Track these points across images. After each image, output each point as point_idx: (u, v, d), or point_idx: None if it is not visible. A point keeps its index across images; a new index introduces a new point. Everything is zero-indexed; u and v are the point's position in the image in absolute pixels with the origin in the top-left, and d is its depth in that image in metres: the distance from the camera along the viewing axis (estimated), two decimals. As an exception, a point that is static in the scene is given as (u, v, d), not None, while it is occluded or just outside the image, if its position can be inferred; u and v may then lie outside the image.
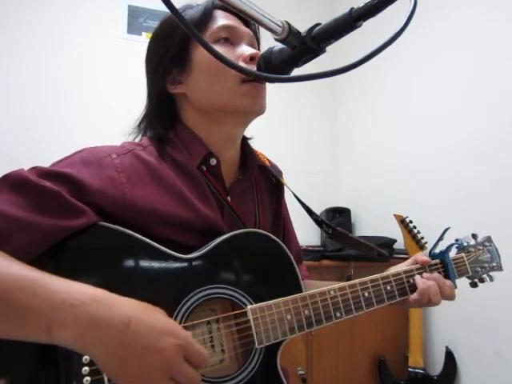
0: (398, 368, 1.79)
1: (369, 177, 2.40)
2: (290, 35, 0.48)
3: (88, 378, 0.50)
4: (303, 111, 2.64)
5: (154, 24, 2.70)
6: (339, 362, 1.79)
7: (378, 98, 2.34)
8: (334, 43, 0.49)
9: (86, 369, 0.51)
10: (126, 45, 2.29)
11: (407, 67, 2.10)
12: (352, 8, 0.45)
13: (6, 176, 0.56)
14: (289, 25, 0.47)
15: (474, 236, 0.93)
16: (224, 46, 0.70)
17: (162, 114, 0.75)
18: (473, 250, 0.91)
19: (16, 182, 0.55)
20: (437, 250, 0.86)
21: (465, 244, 0.91)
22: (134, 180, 0.62)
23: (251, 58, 0.68)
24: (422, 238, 1.77)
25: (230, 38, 0.71)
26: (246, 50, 0.71)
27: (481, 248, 0.92)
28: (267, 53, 0.58)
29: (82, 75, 2.18)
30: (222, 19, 0.72)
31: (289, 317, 0.64)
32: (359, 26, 0.45)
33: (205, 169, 0.72)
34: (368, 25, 0.47)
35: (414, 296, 0.77)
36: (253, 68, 0.65)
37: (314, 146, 2.66)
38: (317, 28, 0.49)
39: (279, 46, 0.56)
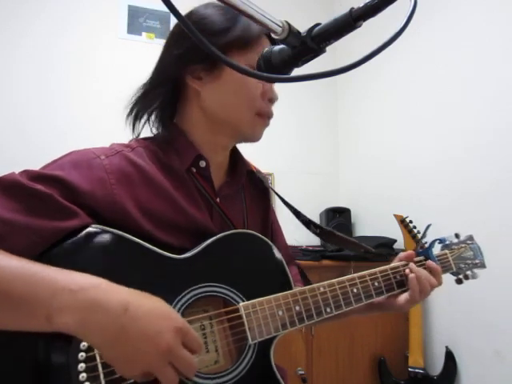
0: (398, 368, 1.79)
1: (369, 177, 2.40)
2: (290, 35, 0.48)
3: (84, 375, 0.51)
4: (303, 111, 2.64)
5: (154, 24, 2.69)
6: (339, 362, 1.79)
7: (378, 97, 2.34)
8: (334, 43, 0.49)
9: (81, 365, 0.51)
10: (126, 45, 2.29)
11: (407, 67, 2.10)
12: (352, 8, 0.45)
13: None
14: (289, 25, 0.47)
15: (457, 235, 0.96)
16: None
17: (164, 96, 0.73)
18: (456, 247, 0.94)
19: (7, 186, 0.55)
20: (421, 248, 0.90)
21: (447, 242, 0.94)
22: (122, 181, 0.63)
23: (270, 100, 0.73)
24: (422, 237, 1.77)
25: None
26: (269, 89, 0.74)
27: (463, 245, 0.95)
28: (267, 53, 0.58)
29: (81, 75, 2.18)
30: (265, 48, 0.73)
31: (280, 313, 0.66)
32: (359, 26, 0.45)
33: (194, 170, 0.72)
34: (368, 25, 0.47)
35: (407, 297, 0.79)
36: (269, 108, 0.73)
37: (314, 146, 2.66)
38: (317, 28, 0.49)
39: (279, 46, 0.56)
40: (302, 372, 1.68)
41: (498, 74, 1.58)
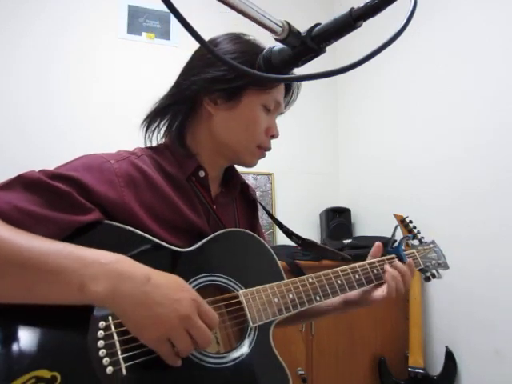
0: (398, 368, 1.79)
1: (369, 177, 2.40)
2: (289, 35, 0.48)
3: (103, 351, 0.54)
4: (303, 111, 2.64)
5: (154, 24, 2.68)
6: (339, 362, 1.79)
7: (378, 97, 2.34)
8: (334, 43, 0.49)
9: (101, 342, 0.54)
10: (126, 45, 2.29)
11: (407, 67, 2.10)
12: (352, 8, 0.45)
13: (19, 177, 0.59)
14: (289, 25, 0.47)
15: (420, 240, 1.07)
16: (264, 112, 0.79)
17: (181, 112, 0.79)
18: (421, 248, 1.04)
19: (29, 182, 0.59)
20: (390, 248, 0.96)
21: (412, 242, 1.05)
22: (130, 184, 0.67)
23: (272, 136, 0.81)
24: (422, 237, 1.77)
25: (271, 109, 0.80)
26: (273, 127, 0.82)
27: (428, 248, 1.05)
28: (267, 53, 0.58)
29: (81, 75, 2.18)
30: (279, 95, 0.80)
31: (276, 300, 0.72)
32: (359, 26, 0.45)
33: (194, 179, 0.78)
34: (368, 25, 0.47)
35: (383, 293, 0.86)
36: (269, 144, 0.81)
37: (314, 146, 2.66)
38: (317, 28, 0.49)
39: (279, 45, 0.56)
40: (302, 372, 1.68)
41: (498, 74, 1.58)
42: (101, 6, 2.27)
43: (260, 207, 0.96)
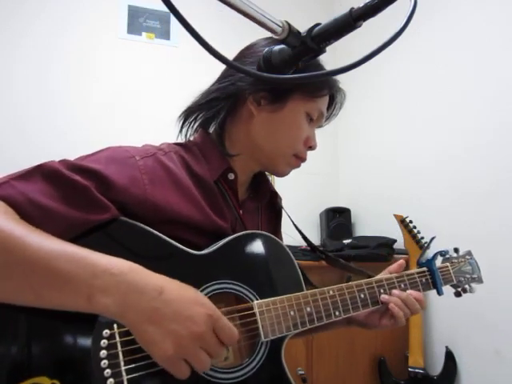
0: (398, 368, 1.79)
1: (369, 177, 2.40)
2: (290, 35, 0.48)
3: (105, 362, 0.52)
4: (303, 111, 2.64)
5: (154, 24, 2.68)
6: (339, 362, 1.79)
7: (378, 97, 2.34)
8: (334, 43, 0.49)
9: (103, 352, 0.52)
10: (126, 45, 2.29)
11: (407, 67, 2.10)
12: (352, 8, 0.45)
13: (39, 166, 0.58)
14: (289, 25, 0.47)
15: (456, 250, 1.00)
16: (306, 120, 0.79)
17: (224, 108, 0.77)
18: (456, 261, 0.98)
19: (49, 173, 0.57)
20: (423, 259, 0.92)
21: (448, 255, 0.98)
22: (155, 182, 0.65)
23: (310, 147, 0.81)
24: (422, 238, 1.77)
25: (314, 119, 0.80)
26: (313, 138, 0.82)
27: (463, 260, 0.99)
28: (267, 53, 0.59)
29: (81, 75, 2.18)
30: (323, 106, 0.81)
31: (292, 313, 0.68)
32: (359, 26, 0.45)
33: (223, 181, 0.76)
34: (368, 25, 0.47)
35: (387, 321, 0.80)
36: (305, 154, 0.80)
37: (314, 146, 2.66)
38: (317, 28, 0.49)
39: (279, 46, 0.56)
40: (302, 372, 1.68)
41: (498, 74, 1.58)
42: (101, 6, 2.27)
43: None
